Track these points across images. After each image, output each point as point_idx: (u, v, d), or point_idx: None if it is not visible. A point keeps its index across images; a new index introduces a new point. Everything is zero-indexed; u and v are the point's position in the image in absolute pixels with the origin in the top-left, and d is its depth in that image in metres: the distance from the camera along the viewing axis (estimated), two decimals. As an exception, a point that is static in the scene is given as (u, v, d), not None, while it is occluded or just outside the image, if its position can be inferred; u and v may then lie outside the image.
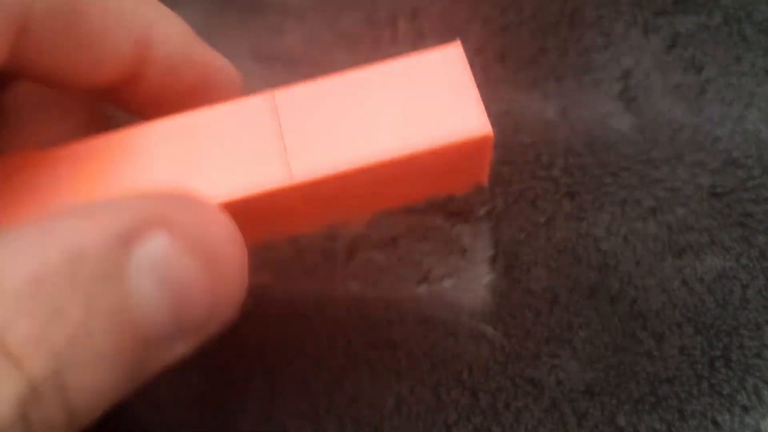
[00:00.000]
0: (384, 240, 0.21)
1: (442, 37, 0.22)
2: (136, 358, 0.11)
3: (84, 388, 0.10)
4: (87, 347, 0.10)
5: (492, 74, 0.22)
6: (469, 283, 0.21)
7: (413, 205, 0.22)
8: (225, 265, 0.12)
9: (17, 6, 0.13)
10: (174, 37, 0.16)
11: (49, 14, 0.14)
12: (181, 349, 0.12)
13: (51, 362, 0.10)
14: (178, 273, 0.11)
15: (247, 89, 0.22)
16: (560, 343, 0.21)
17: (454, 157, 0.15)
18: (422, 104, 0.15)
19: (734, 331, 0.21)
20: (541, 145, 0.22)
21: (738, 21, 0.22)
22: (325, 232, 0.22)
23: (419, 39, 0.22)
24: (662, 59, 0.22)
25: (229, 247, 0.12)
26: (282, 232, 0.17)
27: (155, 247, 0.11)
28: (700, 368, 0.20)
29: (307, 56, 0.22)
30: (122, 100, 0.17)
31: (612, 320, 0.21)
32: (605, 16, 0.22)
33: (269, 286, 0.21)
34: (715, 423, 0.20)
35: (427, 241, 0.21)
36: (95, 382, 0.10)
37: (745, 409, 0.20)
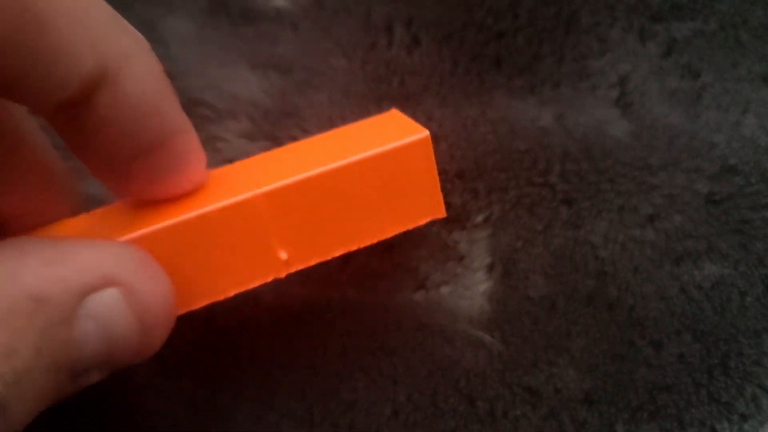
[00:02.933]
0: (380, 246, 0.21)
1: (438, 43, 0.22)
2: (64, 386, 0.13)
3: (21, 411, 0.12)
4: (29, 382, 0.12)
5: (488, 81, 0.22)
6: (467, 290, 0.21)
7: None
8: (156, 317, 0.14)
9: None
10: (148, 78, 0.15)
11: (8, 23, 0.13)
12: (100, 377, 0.14)
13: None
14: (118, 323, 0.14)
15: (241, 103, 0.22)
16: (558, 350, 0.20)
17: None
18: (392, 192, 0.17)
19: (733, 339, 0.21)
20: (538, 152, 0.21)
21: (734, 27, 0.22)
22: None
23: (414, 45, 0.22)
24: (659, 65, 0.22)
25: (163, 302, 0.14)
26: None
27: (104, 301, 0.13)
28: (698, 376, 0.20)
29: (301, 63, 0.22)
30: (68, 128, 0.15)
31: (610, 328, 0.21)
32: (601, 22, 0.22)
33: (263, 292, 0.21)
34: (713, 431, 0.20)
35: (424, 248, 0.21)
36: (31, 406, 0.12)
37: (744, 417, 0.20)
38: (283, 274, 0.17)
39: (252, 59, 0.22)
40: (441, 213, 0.18)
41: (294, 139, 0.21)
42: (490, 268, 0.21)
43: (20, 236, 0.14)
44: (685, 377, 0.20)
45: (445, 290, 0.21)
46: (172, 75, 0.21)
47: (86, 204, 0.18)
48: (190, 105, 0.21)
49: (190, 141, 0.16)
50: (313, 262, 0.17)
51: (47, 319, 0.12)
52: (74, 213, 0.17)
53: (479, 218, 0.21)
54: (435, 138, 0.22)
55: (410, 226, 0.17)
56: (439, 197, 0.17)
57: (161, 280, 0.14)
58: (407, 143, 0.17)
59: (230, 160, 0.21)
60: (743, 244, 0.21)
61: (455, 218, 0.21)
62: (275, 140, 0.21)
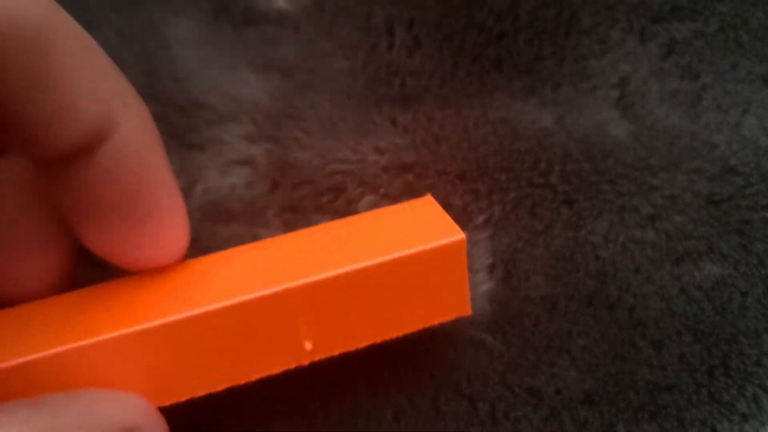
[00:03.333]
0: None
1: (439, 45, 0.22)
2: None
3: None
4: None
5: (488, 82, 0.22)
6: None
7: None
8: None
9: None
10: (139, 137, 0.15)
11: (22, 76, 0.13)
12: None
13: None
14: None
15: (243, 105, 0.22)
16: (559, 351, 0.21)
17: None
18: (421, 289, 0.17)
19: (733, 339, 0.21)
20: (539, 153, 0.21)
21: (734, 28, 0.22)
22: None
23: (415, 47, 0.22)
24: (659, 66, 0.22)
25: None
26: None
27: None
28: (699, 376, 0.20)
29: (303, 65, 0.22)
30: (64, 183, 0.15)
31: (611, 328, 0.21)
32: (602, 23, 0.22)
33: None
34: (714, 431, 0.20)
35: (425, 250, 0.21)
36: None
37: (745, 417, 0.20)
38: (306, 362, 0.17)
39: (254, 61, 0.22)
40: (466, 311, 0.18)
41: (295, 140, 0.21)
42: (491, 268, 0.21)
43: (51, 395, 0.15)
44: (685, 377, 0.20)
45: (446, 291, 0.21)
46: (174, 77, 0.22)
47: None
48: (193, 107, 0.21)
49: (179, 204, 0.16)
50: (336, 353, 0.17)
51: None
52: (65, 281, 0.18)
53: (480, 219, 0.21)
54: (436, 139, 0.22)
55: (435, 323, 0.18)
56: (467, 296, 0.18)
57: (163, 424, 0.16)
58: (443, 245, 0.17)
59: (233, 163, 0.21)
60: (744, 245, 0.21)
61: (456, 219, 0.21)
62: (277, 142, 0.21)
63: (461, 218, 0.21)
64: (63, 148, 0.14)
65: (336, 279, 0.16)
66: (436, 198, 0.21)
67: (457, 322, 0.21)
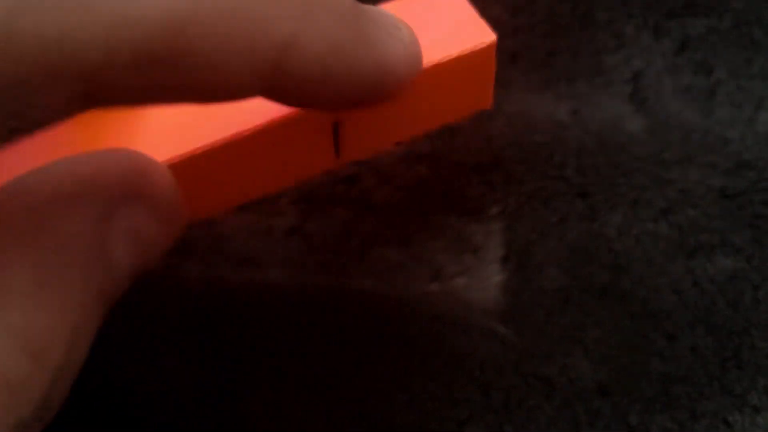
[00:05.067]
0: (397, 238, 0.21)
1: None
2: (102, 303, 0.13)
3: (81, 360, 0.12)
4: (88, 317, 0.12)
5: (504, 75, 0.22)
6: (481, 281, 0.21)
7: (426, 203, 0.22)
8: (174, 218, 0.14)
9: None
10: (319, 43, 0.13)
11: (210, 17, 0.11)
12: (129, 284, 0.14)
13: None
14: (145, 234, 0.13)
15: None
16: (572, 342, 0.21)
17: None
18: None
19: (745, 332, 0.21)
20: (554, 146, 0.22)
21: (748, 24, 0.23)
22: (338, 232, 0.22)
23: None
24: (673, 61, 0.22)
25: (177, 204, 0.14)
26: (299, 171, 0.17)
27: (130, 218, 0.13)
28: (711, 368, 0.20)
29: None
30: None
31: (623, 320, 0.21)
32: (616, 18, 0.23)
33: (281, 282, 0.21)
34: (726, 423, 0.20)
35: (440, 240, 0.21)
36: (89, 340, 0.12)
37: (756, 410, 0.20)
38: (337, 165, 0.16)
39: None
40: (487, 105, 0.18)
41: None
42: (505, 260, 0.21)
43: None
44: (697, 369, 0.20)
45: (460, 282, 0.21)
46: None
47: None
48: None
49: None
50: (366, 153, 0.17)
51: (85, 254, 0.12)
52: None
53: (495, 210, 0.22)
54: (451, 132, 0.22)
55: (458, 118, 0.18)
56: (490, 93, 0.17)
57: (168, 176, 0.14)
58: (475, 49, 0.17)
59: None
60: (756, 239, 0.21)
61: (471, 210, 0.22)
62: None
63: (476, 209, 0.22)
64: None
65: None
66: (452, 189, 0.21)
67: (471, 312, 0.21)
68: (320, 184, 0.22)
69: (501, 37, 0.22)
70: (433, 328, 0.21)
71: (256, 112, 0.15)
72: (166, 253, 0.14)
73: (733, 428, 0.20)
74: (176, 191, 0.14)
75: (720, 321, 0.21)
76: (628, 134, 0.22)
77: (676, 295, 0.21)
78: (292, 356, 0.21)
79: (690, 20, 0.23)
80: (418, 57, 0.15)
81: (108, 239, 0.13)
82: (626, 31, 0.23)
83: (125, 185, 0.13)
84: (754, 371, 0.20)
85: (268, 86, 0.13)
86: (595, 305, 0.21)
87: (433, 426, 0.20)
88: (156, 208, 0.14)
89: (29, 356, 0.11)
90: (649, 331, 0.21)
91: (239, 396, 0.20)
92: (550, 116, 0.22)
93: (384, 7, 0.16)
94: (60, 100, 0.11)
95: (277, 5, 0.12)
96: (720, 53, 0.22)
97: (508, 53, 0.22)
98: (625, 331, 0.21)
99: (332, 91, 0.13)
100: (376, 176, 0.22)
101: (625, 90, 0.22)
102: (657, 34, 0.23)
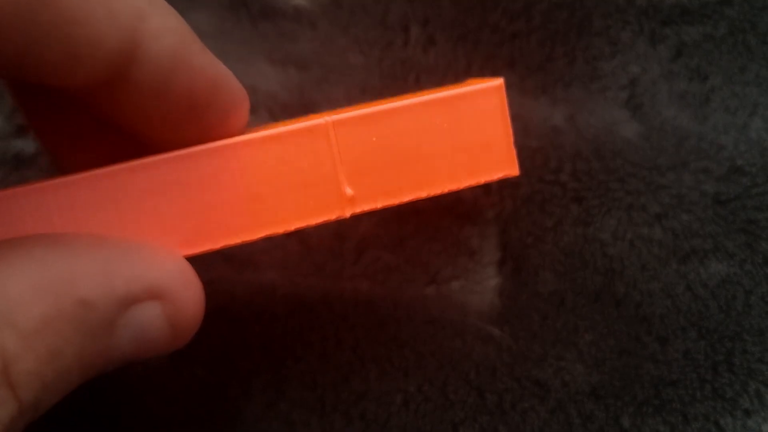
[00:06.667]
0: (393, 240, 0.22)
1: (453, 43, 0.22)
2: (90, 377, 0.13)
3: (49, 405, 0.13)
4: (66, 381, 0.13)
5: (501, 80, 0.22)
6: (477, 285, 0.21)
7: (422, 207, 0.22)
8: (189, 324, 0.15)
9: None
10: (169, 33, 0.14)
11: None
12: (120, 365, 0.14)
13: (39, 393, 0.12)
14: (153, 332, 0.14)
15: (260, 97, 0.22)
16: (566, 345, 0.21)
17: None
18: (463, 140, 0.16)
19: (737, 336, 0.21)
20: (549, 150, 0.22)
21: (743, 32, 0.23)
22: (334, 234, 0.22)
23: (430, 44, 0.22)
24: (668, 68, 0.23)
25: (196, 311, 0.15)
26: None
27: (145, 313, 0.14)
28: (703, 372, 0.21)
29: (320, 60, 0.22)
30: (103, 106, 0.14)
31: (617, 324, 0.21)
32: (613, 25, 0.23)
33: (277, 283, 0.21)
34: (717, 426, 0.20)
35: (436, 243, 0.22)
36: (58, 399, 0.13)
37: (747, 413, 0.20)
38: (347, 214, 0.16)
39: (271, 55, 0.22)
40: (514, 170, 0.17)
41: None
42: (501, 263, 0.22)
43: (73, 233, 0.14)
44: (690, 373, 0.21)
45: (455, 285, 0.21)
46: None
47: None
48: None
49: (231, 84, 0.15)
50: (380, 205, 0.16)
51: (92, 325, 0.13)
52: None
53: (490, 214, 0.22)
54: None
55: (482, 181, 0.17)
56: (512, 153, 0.17)
57: (197, 288, 0.15)
58: (481, 89, 0.16)
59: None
60: (749, 244, 0.21)
61: (466, 214, 0.22)
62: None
63: (472, 212, 0.22)
64: (93, 79, 0.13)
65: (371, 116, 0.16)
66: (448, 193, 0.21)
67: (466, 315, 0.21)
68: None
69: (498, 43, 0.23)
70: (429, 331, 0.21)
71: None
72: (163, 354, 0.15)
73: (724, 431, 0.20)
74: (200, 308, 0.15)
75: (712, 325, 0.21)
76: (624, 140, 0.22)
77: (669, 299, 0.21)
78: (287, 356, 0.21)
79: (686, 27, 0.23)
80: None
81: (119, 322, 0.13)
82: (622, 38, 0.23)
83: (156, 282, 0.14)
84: (746, 375, 0.21)
85: (125, 63, 0.13)
86: (590, 309, 0.21)
87: (428, 427, 0.20)
88: (174, 316, 0.14)
89: (7, 385, 0.11)
90: (642, 334, 0.21)
91: (236, 396, 0.20)
92: (546, 121, 0.22)
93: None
94: None
95: None
96: (715, 60, 0.23)
97: (506, 59, 0.23)
98: (618, 334, 0.21)
99: (178, 93, 0.14)
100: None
101: (621, 96, 0.22)
102: (653, 40, 0.23)
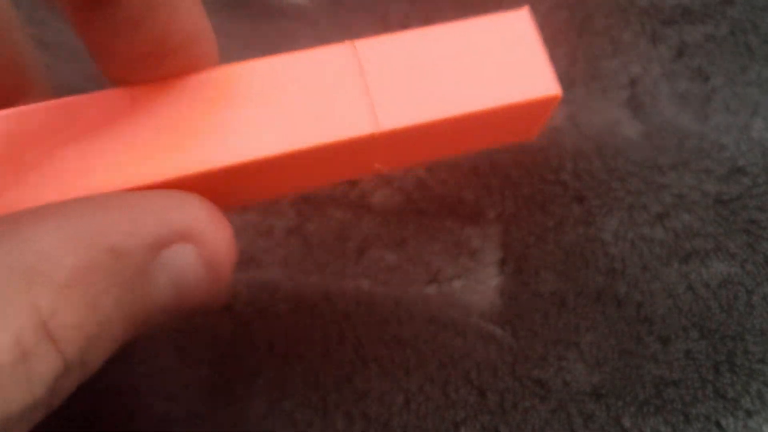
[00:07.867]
0: (395, 240, 0.22)
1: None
2: (134, 332, 0.13)
3: (97, 363, 0.12)
4: (108, 333, 0.12)
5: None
6: (478, 284, 0.21)
7: (424, 206, 0.22)
8: (223, 264, 0.14)
9: None
10: None
11: None
12: (165, 320, 0.14)
13: (82, 346, 0.12)
14: (189, 275, 0.14)
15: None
16: (567, 345, 0.21)
17: (521, 114, 0.16)
18: (495, 64, 0.16)
19: (739, 336, 0.21)
20: (551, 150, 0.22)
21: (744, 32, 0.23)
22: (336, 233, 0.22)
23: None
24: (669, 68, 0.23)
25: (228, 250, 0.14)
26: (354, 173, 0.17)
27: (178, 256, 0.13)
28: (704, 372, 0.21)
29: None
30: (85, 27, 0.14)
31: (618, 324, 0.21)
32: (614, 25, 0.23)
33: (280, 282, 0.21)
34: (719, 426, 0.20)
35: (437, 242, 0.22)
36: (104, 357, 0.12)
37: (749, 413, 0.20)
38: (378, 130, 0.15)
39: (271, 54, 0.22)
40: (555, 89, 0.16)
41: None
42: (502, 263, 0.22)
43: (98, 193, 0.14)
44: (691, 373, 0.21)
45: (457, 284, 0.21)
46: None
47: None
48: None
49: (210, 36, 0.15)
50: (411, 122, 0.15)
51: (126, 273, 0.12)
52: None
53: (492, 214, 0.22)
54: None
55: (520, 100, 0.16)
56: (551, 71, 0.16)
57: (226, 229, 0.15)
58: (509, 14, 0.16)
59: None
60: (750, 244, 0.21)
61: (468, 213, 0.22)
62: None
63: (473, 212, 0.22)
64: None
65: (395, 39, 0.16)
66: (449, 192, 0.21)
67: (467, 314, 0.21)
68: (320, 186, 0.22)
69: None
70: (430, 330, 0.21)
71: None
72: (206, 306, 0.15)
73: (725, 431, 0.20)
74: (232, 249, 0.15)
75: (714, 325, 0.21)
76: (625, 139, 0.22)
77: (670, 299, 0.21)
78: (290, 355, 0.21)
79: (687, 27, 0.23)
80: None
81: (153, 268, 0.13)
82: (624, 38, 0.23)
83: (185, 224, 0.14)
84: (747, 375, 0.21)
85: None
86: (591, 309, 0.21)
87: (429, 427, 0.20)
88: (207, 257, 0.14)
89: (48, 339, 0.11)
90: (643, 334, 0.21)
91: (237, 394, 0.20)
92: (547, 120, 0.22)
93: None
94: None
95: None
96: (716, 60, 0.23)
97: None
98: (619, 334, 0.21)
99: (154, 32, 0.14)
100: (374, 179, 0.22)
101: (622, 95, 0.22)
102: (654, 40, 0.23)
